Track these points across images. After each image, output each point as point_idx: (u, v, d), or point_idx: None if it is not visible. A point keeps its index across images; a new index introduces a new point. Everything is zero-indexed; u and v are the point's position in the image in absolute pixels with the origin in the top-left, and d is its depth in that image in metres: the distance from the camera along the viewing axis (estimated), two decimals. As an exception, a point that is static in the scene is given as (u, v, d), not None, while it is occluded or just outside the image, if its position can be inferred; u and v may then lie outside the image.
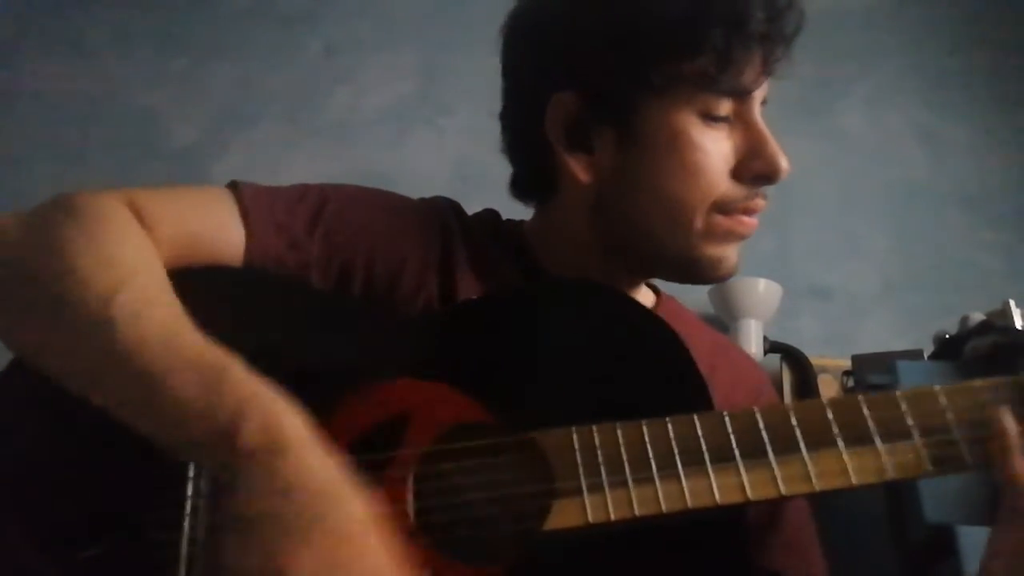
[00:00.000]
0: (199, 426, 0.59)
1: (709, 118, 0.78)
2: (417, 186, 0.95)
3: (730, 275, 0.84)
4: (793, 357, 1.80)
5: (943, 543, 0.90)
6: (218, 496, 0.59)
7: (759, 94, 0.80)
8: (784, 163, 0.79)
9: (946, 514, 0.88)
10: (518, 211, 0.97)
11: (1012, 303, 0.94)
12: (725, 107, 0.78)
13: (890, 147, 2.09)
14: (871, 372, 1.22)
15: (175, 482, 0.65)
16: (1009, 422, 0.62)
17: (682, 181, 0.79)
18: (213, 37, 2.22)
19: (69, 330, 0.64)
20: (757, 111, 0.80)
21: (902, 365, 1.02)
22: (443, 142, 2.09)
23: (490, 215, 0.96)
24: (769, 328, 1.83)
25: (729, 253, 0.82)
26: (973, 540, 0.86)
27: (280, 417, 0.59)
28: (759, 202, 0.81)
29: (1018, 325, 0.91)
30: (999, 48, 2.16)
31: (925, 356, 1.21)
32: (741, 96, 0.78)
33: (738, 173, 0.79)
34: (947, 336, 1.02)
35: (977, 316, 0.97)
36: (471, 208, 0.96)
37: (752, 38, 0.76)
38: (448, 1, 2.24)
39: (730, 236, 0.81)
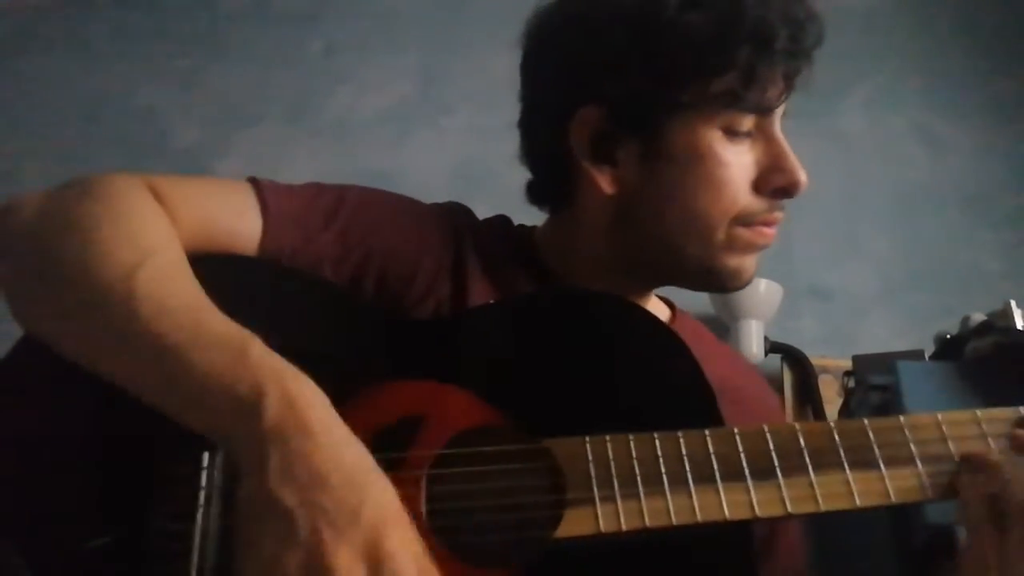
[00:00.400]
0: (220, 401, 0.59)
1: (732, 133, 0.79)
2: (417, 186, 0.95)
3: (747, 284, 0.86)
4: (794, 357, 1.80)
5: (944, 544, 0.90)
6: (237, 475, 0.59)
7: (780, 108, 0.81)
8: (803, 177, 0.81)
9: (947, 515, 0.87)
10: (519, 211, 0.97)
11: (1013, 303, 0.94)
12: (748, 123, 0.80)
13: (890, 148, 2.09)
14: (872, 372, 1.22)
15: (186, 473, 0.64)
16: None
17: (706, 194, 0.80)
18: (213, 37, 2.22)
19: (88, 305, 0.64)
20: (777, 125, 0.82)
21: (903, 365, 1.02)
22: (443, 142, 2.09)
23: (501, 221, 0.96)
24: (770, 328, 1.83)
25: (748, 264, 0.84)
26: (974, 541, 0.86)
27: (303, 394, 0.59)
28: (778, 215, 0.83)
29: (1019, 325, 0.91)
30: (999, 49, 2.16)
31: (926, 356, 1.21)
32: (765, 113, 0.80)
33: (759, 186, 0.81)
34: (948, 336, 1.01)
35: (978, 316, 0.97)
36: (471, 208, 0.96)
37: (777, 55, 0.77)
38: (448, 1, 2.24)
39: (750, 248, 0.82)
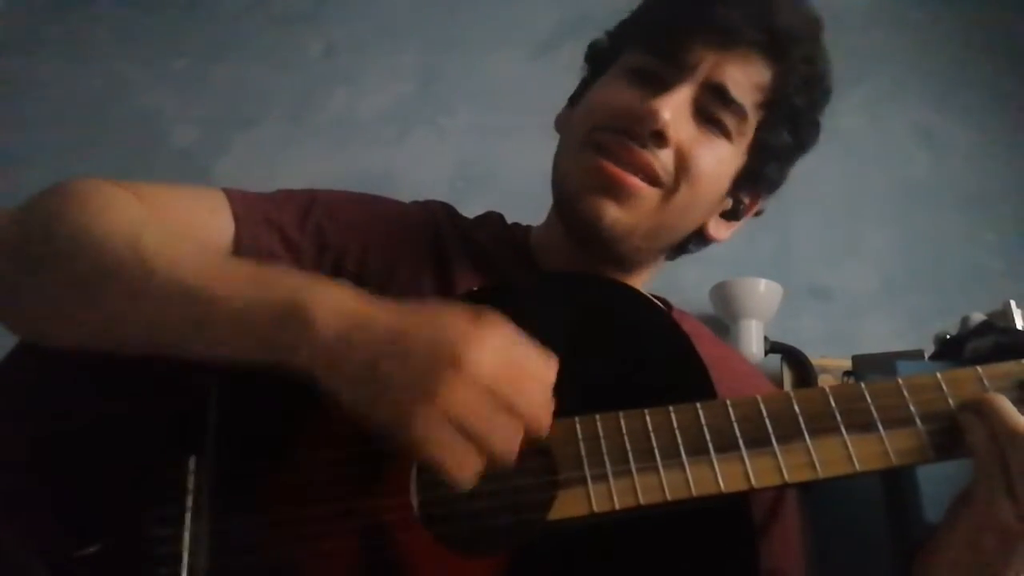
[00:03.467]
0: (263, 319, 0.60)
1: (632, 73, 0.84)
2: (417, 186, 0.95)
3: (603, 227, 0.82)
4: (794, 357, 1.80)
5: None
6: (316, 374, 0.59)
7: (707, 72, 0.81)
8: (652, 109, 0.79)
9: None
10: (519, 211, 0.97)
11: (1013, 303, 0.94)
12: (643, 61, 0.84)
13: (890, 148, 2.09)
14: (872, 372, 1.22)
15: (175, 478, 0.64)
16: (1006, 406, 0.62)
17: (584, 108, 0.88)
18: (213, 37, 2.22)
19: (100, 277, 0.64)
20: (684, 87, 0.81)
21: (903, 365, 1.02)
22: (443, 142, 2.09)
23: (493, 217, 0.96)
24: (770, 328, 1.83)
25: (602, 204, 0.81)
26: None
27: (337, 288, 0.61)
28: (627, 148, 0.81)
29: (1019, 325, 0.91)
30: (999, 49, 2.16)
31: (926, 356, 1.21)
32: (659, 54, 0.82)
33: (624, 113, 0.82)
34: (948, 336, 1.01)
35: (978, 316, 0.97)
36: (471, 208, 0.96)
37: (683, 8, 0.83)
38: (448, 1, 2.24)
39: (596, 174, 0.81)
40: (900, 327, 1.86)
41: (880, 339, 1.76)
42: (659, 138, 0.80)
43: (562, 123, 0.93)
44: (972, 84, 2.14)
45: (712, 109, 0.82)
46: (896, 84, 2.15)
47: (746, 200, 0.92)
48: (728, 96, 0.81)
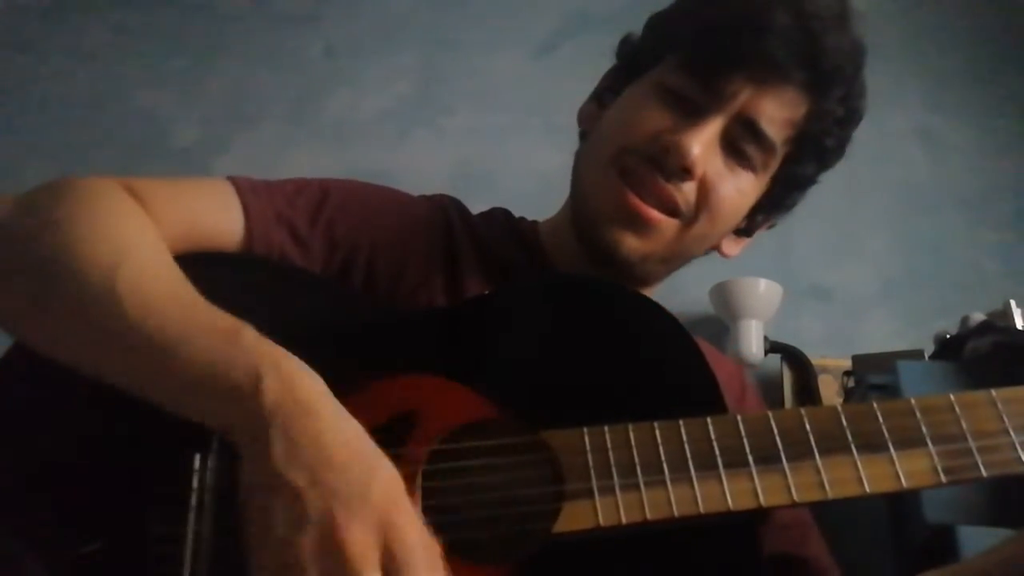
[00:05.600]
0: (216, 388, 0.58)
1: (664, 90, 0.81)
2: (417, 186, 0.95)
3: (626, 257, 0.82)
4: (794, 357, 1.80)
5: (943, 543, 0.90)
6: (234, 464, 0.58)
7: (742, 105, 0.79)
8: (685, 148, 0.78)
9: (946, 514, 0.88)
10: (518, 211, 0.97)
11: (1012, 303, 0.94)
12: (678, 82, 0.81)
13: (890, 148, 2.09)
14: (872, 372, 1.22)
15: (179, 476, 0.64)
16: None
17: (611, 123, 0.86)
18: (213, 37, 2.22)
19: (72, 307, 0.63)
20: (717, 119, 0.79)
21: (903, 365, 1.02)
22: (443, 142, 2.09)
23: (500, 213, 0.95)
24: (769, 328, 1.83)
25: (627, 238, 0.81)
26: (973, 540, 0.86)
27: (300, 375, 0.59)
28: (656, 181, 0.80)
29: (1018, 325, 0.92)
30: (999, 49, 2.16)
31: (926, 356, 1.22)
32: (699, 78, 0.79)
33: (654, 138, 0.80)
34: (947, 336, 1.02)
35: (977, 316, 0.97)
36: (472, 207, 0.96)
37: (728, 40, 0.79)
38: (448, 1, 2.24)
39: (624, 207, 0.80)
40: (900, 327, 1.86)
41: (880, 339, 1.76)
42: (686, 173, 0.79)
43: (587, 120, 0.92)
44: (972, 84, 2.14)
45: (741, 143, 0.81)
46: (896, 85, 2.15)
47: (761, 221, 0.92)
48: (759, 132, 0.80)
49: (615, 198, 0.80)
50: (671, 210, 0.81)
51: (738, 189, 0.82)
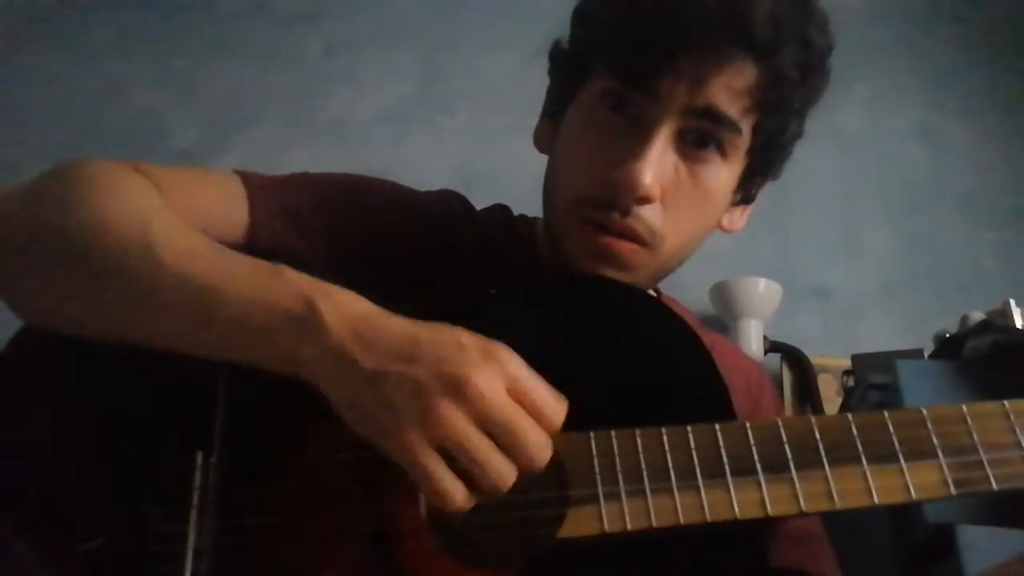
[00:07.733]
0: (270, 317, 0.59)
1: (609, 97, 0.76)
2: (416, 186, 0.95)
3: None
4: (793, 357, 1.81)
5: (943, 543, 0.90)
6: (317, 378, 0.59)
7: (686, 99, 0.73)
8: (632, 177, 0.72)
9: (946, 514, 0.88)
10: (518, 211, 0.97)
11: (1012, 303, 0.94)
12: (619, 88, 0.75)
13: (890, 147, 2.09)
14: (871, 372, 1.22)
15: (181, 474, 0.64)
16: None
17: (562, 159, 0.82)
18: (213, 37, 2.22)
19: (108, 268, 0.63)
20: (663, 127, 0.74)
21: (902, 364, 1.02)
22: (442, 142, 2.09)
23: (500, 210, 0.94)
24: (769, 328, 1.83)
25: (601, 271, 0.77)
26: (973, 540, 0.86)
27: (348, 295, 0.60)
28: (623, 219, 0.75)
29: (1018, 324, 0.92)
30: (999, 48, 2.16)
31: (925, 355, 1.22)
32: (630, 80, 0.74)
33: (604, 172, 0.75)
34: (947, 335, 1.02)
35: (977, 315, 0.97)
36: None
37: (647, 23, 0.73)
38: (448, 1, 2.24)
39: (591, 248, 0.76)
40: (899, 326, 1.86)
41: (879, 338, 1.76)
42: (643, 201, 0.75)
43: (544, 142, 0.88)
44: (972, 84, 2.14)
45: (700, 131, 0.76)
46: (895, 84, 2.15)
47: (756, 188, 0.87)
48: (714, 114, 0.75)
49: (585, 242, 0.77)
50: (638, 241, 0.77)
51: (706, 185, 0.78)
